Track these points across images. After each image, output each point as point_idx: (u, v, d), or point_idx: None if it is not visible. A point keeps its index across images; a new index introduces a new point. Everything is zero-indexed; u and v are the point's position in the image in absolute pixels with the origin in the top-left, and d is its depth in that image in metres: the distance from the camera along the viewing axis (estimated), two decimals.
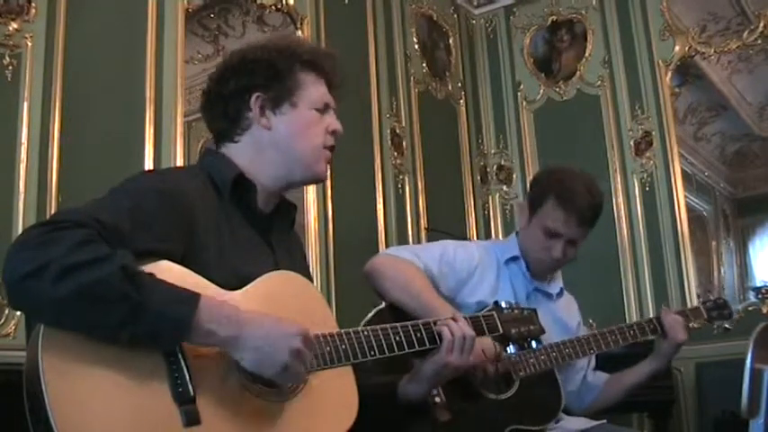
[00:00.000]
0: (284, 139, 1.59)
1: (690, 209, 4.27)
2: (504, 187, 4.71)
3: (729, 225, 4.64)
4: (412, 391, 1.74)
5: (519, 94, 4.79)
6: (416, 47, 4.36)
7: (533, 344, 1.88)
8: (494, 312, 1.83)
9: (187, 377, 1.26)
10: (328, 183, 3.52)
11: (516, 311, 1.87)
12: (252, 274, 1.44)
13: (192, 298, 1.27)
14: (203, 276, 1.36)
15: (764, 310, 3.98)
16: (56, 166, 2.55)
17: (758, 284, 4.17)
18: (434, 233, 4.00)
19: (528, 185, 2.44)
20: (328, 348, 1.45)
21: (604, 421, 2.19)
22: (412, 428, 1.79)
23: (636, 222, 4.29)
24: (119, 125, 2.77)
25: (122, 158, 2.73)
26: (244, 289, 1.41)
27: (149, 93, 2.84)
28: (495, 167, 4.76)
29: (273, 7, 3.48)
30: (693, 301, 3.95)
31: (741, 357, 2.04)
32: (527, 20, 4.83)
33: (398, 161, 4.00)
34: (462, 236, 4.29)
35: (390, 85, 4.08)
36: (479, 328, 1.77)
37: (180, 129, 2.89)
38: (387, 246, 3.74)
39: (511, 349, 1.85)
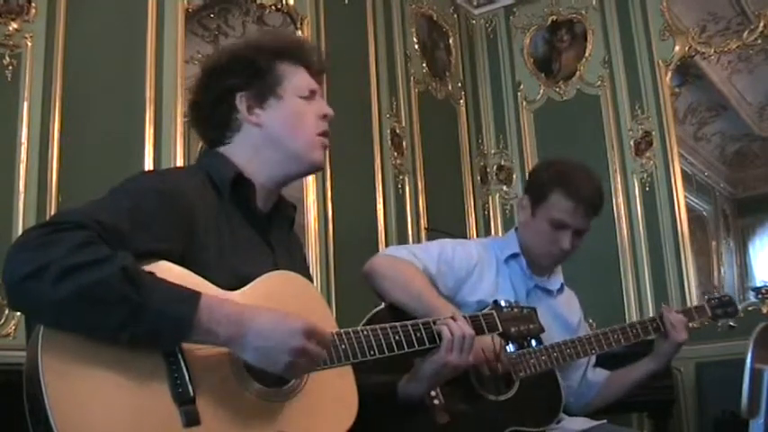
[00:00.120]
0: (277, 133, 1.59)
1: (690, 209, 4.27)
2: (504, 187, 4.71)
3: (729, 225, 4.64)
4: (412, 390, 1.74)
5: (519, 94, 4.79)
6: (416, 47, 4.36)
7: (533, 342, 1.88)
8: (493, 311, 1.83)
9: (187, 377, 1.26)
10: (328, 183, 3.52)
11: (516, 310, 1.87)
12: (251, 274, 1.44)
13: (193, 297, 1.27)
14: (203, 277, 1.36)
15: (764, 310, 3.98)
16: (56, 166, 2.54)
17: (758, 284, 4.17)
18: (434, 233, 4.00)
19: (526, 180, 2.42)
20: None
21: (605, 421, 2.19)
22: (412, 428, 1.79)
23: (636, 222, 4.29)
24: (119, 125, 2.77)
25: (122, 158, 2.73)
26: (243, 289, 1.41)
27: (149, 93, 2.84)
28: (495, 167, 4.76)
29: (273, 7, 3.48)
30: (693, 301, 3.95)
31: (741, 357, 2.04)
32: (527, 20, 4.83)
33: (398, 161, 4.00)
34: (462, 236, 4.29)
35: (390, 85, 4.08)
36: (479, 327, 1.77)
37: (180, 129, 2.88)
38: (387, 246, 3.73)
39: (510, 348, 1.85)
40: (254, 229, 1.56)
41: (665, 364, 2.33)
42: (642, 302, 4.17)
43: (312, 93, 1.64)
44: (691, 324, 2.33)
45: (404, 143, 4.06)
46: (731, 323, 2.48)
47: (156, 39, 2.92)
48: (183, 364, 1.26)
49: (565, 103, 4.65)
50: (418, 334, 1.64)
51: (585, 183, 2.22)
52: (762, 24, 4.14)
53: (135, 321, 1.21)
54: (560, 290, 2.36)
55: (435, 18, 4.60)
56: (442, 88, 4.53)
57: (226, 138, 1.61)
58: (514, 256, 2.29)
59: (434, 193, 4.19)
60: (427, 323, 1.67)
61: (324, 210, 3.48)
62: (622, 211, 4.32)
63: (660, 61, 4.35)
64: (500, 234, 4.56)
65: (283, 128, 1.59)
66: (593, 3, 4.61)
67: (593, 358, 2.36)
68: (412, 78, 4.25)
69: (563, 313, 2.33)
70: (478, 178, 4.69)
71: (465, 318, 1.74)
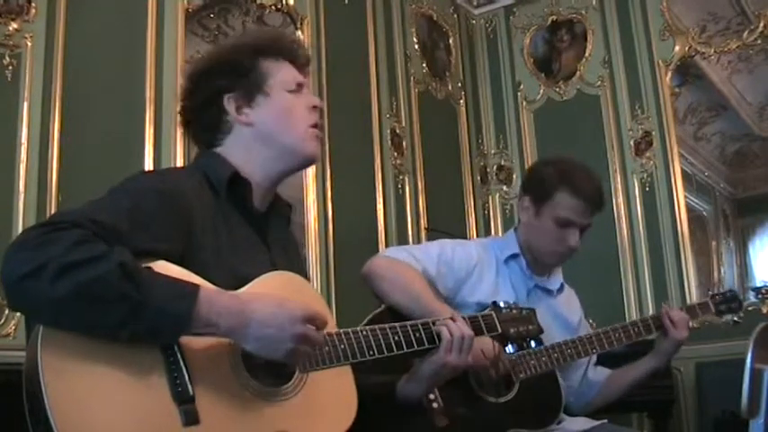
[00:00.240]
0: (268, 129, 1.59)
1: (690, 209, 4.27)
2: (504, 187, 4.71)
3: (729, 225, 4.64)
4: (411, 390, 1.74)
5: (519, 94, 4.79)
6: (416, 47, 4.36)
7: (532, 343, 1.88)
8: (492, 312, 1.83)
9: (186, 376, 1.26)
10: (328, 183, 3.52)
11: (515, 311, 1.87)
12: (250, 274, 1.44)
13: (192, 291, 1.27)
14: (202, 277, 1.36)
15: (764, 310, 3.98)
16: (56, 166, 2.55)
17: (758, 284, 4.16)
18: (434, 233, 4.00)
19: (524, 180, 2.41)
20: (327, 348, 1.45)
21: (605, 421, 2.19)
22: (411, 428, 1.79)
23: (636, 222, 4.29)
24: (119, 125, 2.77)
25: (122, 158, 2.73)
26: (242, 289, 1.41)
27: (149, 93, 2.84)
28: (495, 167, 4.76)
29: (273, 7, 3.48)
30: (694, 300, 3.94)
31: (741, 357, 2.04)
32: (527, 20, 4.83)
33: (398, 161, 4.00)
34: (462, 236, 4.29)
35: (390, 85, 4.08)
36: (478, 327, 1.77)
37: (180, 129, 2.87)
38: (387, 246, 3.73)
39: (510, 349, 1.85)
40: (251, 228, 1.57)
41: (665, 363, 2.33)
42: (642, 302, 4.17)
43: (299, 86, 1.64)
44: (692, 323, 2.33)
45: (404, 143, 4.06)
46: (736, 318, 2.47)
47: (156, 39, 2.92)
48: (181, 362, 1.26)
49: (565, 103, 4.65)
50: (417, 334, 1.64)
51: (588, 180, 2.24)
52: (762, 24, 4.14)
53: (135, 318, 1.21)
54: (560, 289, 2.36)
55: (435, 18, 4.60)
56: (442, 88, 4.53)
57: (218, 140, 1.61)
58: (514, 256, 2.29)
59: (434, 193, 4.19)
60: (426, 324, 1.67)
61: (324, 210, 3.48)
62: (622, 211, 4.32)
63: (660, 61, 4.35)
64: (500, 234, 4.55)
65: (274, 124, 1.59)
66: (593, 3, 4.61)
67: (594, 357, 2.36)
68: (412, 78, 4.25)
69: (563, 313, 2.33)
70: (478, 178, 4.69)
71: (464, 318, 1.74)
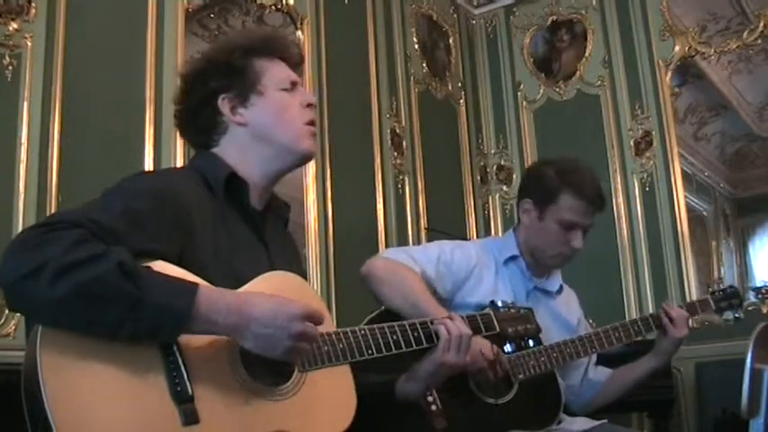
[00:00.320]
0: (263, 128, 1.59)
1: (690, 209, 4.27)
2: (504, 187, 4.70)
3: (729, 225, 4.64)
4: (409, 389, 1.74)
5: (519, 94, 4.79)
6: (416, 47, 4.36)
7: (530, 342, 1.88)
8: (490, 311, 1.83)
9: (185, 376, 1.26)
10: (328, 183, 3.52)
11: (513, 310, 1.87)
12: (248, 274, 1.45)
13: (191, 289, 1.27)
14: (200, 277, 1.36)
15: (764, 310, 3.97)
16: (56, 166, 2.54)
17: (758, 284, 4.16)
18: (434, 233, 4.00)
19: (524, 182, 2.40)
20: (326, 347, 1.45)
21: (605, 421, 2.19)
22: (409, 427, 1.79)
23: (636, 222, 4.28)
24: (119, 125, 2.77)
25: (122, 158, 2.72)
26: (240, 289, 1.41)
27: (149, 93, 2.84)
28: (495, 167, 4.76)
29: (273, 7, 3.48)
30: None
31: (741, 357, 2.04)
32: (527, 20, 4.83)
33: (398, 161, 4.00)
34: (462, 236, 4.29)
35: (390, 85, 4.08)
36: (476, 326, 1.77)
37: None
38: (387, 246, 3.74)
39: (508, 348, 1.86)
40: (249, 228, 1.57)
41: (666, 362, 2.32)
42: (642, 302, 4.16)
43: (293, 84, 1.64)
44: (692, 323, 2.32)
45: (404, 143, 4.06)
46: (737, 315, 2.47)
47: (156, 39, 2.92)
48: (180, 362, 1.27)
49: (565, 103, 4.65)
50: (416, 333, 1.64)
51: (590, 181, 2.24)
52: (762, 24, 4.14)
53: (134, 316, 1.21)
54: (559, 290, 2.36)
55: (435, 18, 4.60)
56: (442, 88, 4.53)
57: (213, 141, 1.61)
58: (513, 257, 2.29)
59: (434, 193, 4.19)
60: (425, 323, 1.68)
61: (324, 210, 3.48)
62: (622, 211, 4.32)
63: (660, 61, 4.35)
64: (500, 234, 4.55)
65: (269, 123, 1.59)
66: (593, 3, 4.60)
67: (594, 357, 2.36)
68: (412, 78, 4.25)
69: (562, 314, 2.33)
70: (478, 178, 4.69)
71: (462, 318, 1.74)
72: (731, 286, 2.50)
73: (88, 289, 1.19)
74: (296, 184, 3.35)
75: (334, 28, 3.76)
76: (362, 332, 1.53)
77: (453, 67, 4.68)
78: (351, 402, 1.50)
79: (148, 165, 2.78)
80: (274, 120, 1.60)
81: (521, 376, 2.05)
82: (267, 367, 1.37)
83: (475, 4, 4.99)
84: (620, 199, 4.33)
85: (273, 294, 1.36)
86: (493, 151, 4.78)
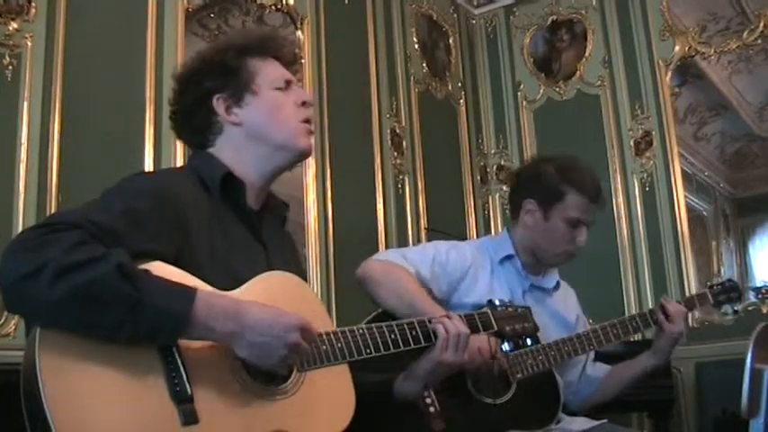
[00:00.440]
0: (258, 128, 1.59)
1: (690, 209, 4.27)
2: (504, 187, 4.69)
3: (729, 225, 4.63)
4: (408, 388, 1.74)
5: (519, 93, 4.79)
6: (416, 47, 4.36)
7: (528, 341, 1.88)
8: (488, 310, 1.83)
9: (184, 376, 1.26)
10: (328, 183, 3.52)
11: (510, 309, 1.87)
12: (246, 274, 1.45)
13: (190, 293, 1.27)
14: (197, 277, 1.36)
15: (764, 310, 3.97)
16: (56, 166, 2.54)
17: (758, 284, 4.16)
18: (434, 233, 4.00)
19: (523, 182, 2.39)
20: (324, 347, 1.45)
21: (605, 421, 2.18)
22: (408, 426, 1.79)
23: (636, 222, 4.28)
24: (119, 125, 2.77)
25: (122, 158, 2.72)
26: (238, 289, 1.41)
27: (149, 93, 2.84)
28: (495, 167, 4.76)
29: (273, 7, 3.48)
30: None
31: (741, 357, 2.04)
32: (527, 20, 4.83)
33: (398, 161, 4.00)
34: (462, 236, 4.29)
35: (390, 85, 4.08)
36: (474, 325, 1.77)
37: None
38: (387, 246, 3.74)
39: (506, 347, 1.85)
40: (246, 228, 1.57)
41: (664, 359, 2.30)
42: (642, 302, 4.16)
43: (288, 83, 1.64)
44: (692, 321, 2.32)
45: (404, 143, 4.06)
46: (735, 308, 2.46)
47: (156, 39, 2.92)
48: (179, 362, 1.27)
49: (565, 102, 4.65)
50: (414, 332, 1.64)
51: (591, 177, 2.27)
52: (762, 24, 4.14)
53: (133, 319, 1.21)
54: (556, 287, 2.36)
55: (435, 18, 4.60)
56: (442, 88, 4.53)
57: (209, 141, 1.62)
58: (509, 257, 2.29)
59: (434, 193, 4.19)
60: (422, 322, 1.68)
61: (324, 210, 3.48)
62: (622, 211, 4.32)
63: (660, 61, 4.35)
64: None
65: (264, 122, 1.60)
66: (593, 3, 4.60)
67: (592, 353, 2.35)
68: (412, 78, 4.25)
69: (560, 311, 2.32)
70: (478, 178, 4.69)
71: (460, 316, 1.74)
72: (729, 280, 2.49)
73: (87, 291, 1.19)
74: (296, 183, 3.35)
75: (334, 28, 3.76)
76: (361, 331, 1.53)
77: (453, 67, 4.68)
78: (350, 402, 1.50)
79: (148, 165, 2.78)
80: (269, 119, 1.60)
81: (519, 376, 2.04)
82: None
83: (475, 4, 4.99)
84: (620, 199, 4.33)
85: (269, 304, 1.36)
86: (493, 151, 4.78)
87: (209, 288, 1.36)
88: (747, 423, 1.98)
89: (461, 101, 4.69)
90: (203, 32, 3.24)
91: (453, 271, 2.18)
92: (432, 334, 1.67)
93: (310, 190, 3.44)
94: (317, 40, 3.65)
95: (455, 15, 4.82)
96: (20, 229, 2.36)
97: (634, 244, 4.27)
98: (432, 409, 1.75)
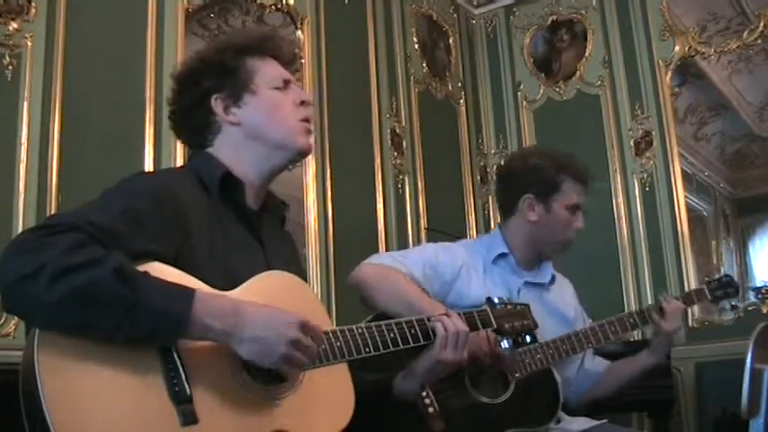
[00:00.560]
0: (256, 127, 1.59)
1: (690, 209, 4.27)
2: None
3: (729, 225, 4.64)
4: (407, 387, 1.74)
5: (519, 93, 4.79)
6: (416, 47, 4.36)
7: (527, 338, 1.88)
8: (487, 307, 1.83)
9: (183, 376, 1.26)
10: (328, 183, 3.52)
11: (509, 306, 1.87)
12: (245, 274, 1.45)
13: (188, 294, 1.27)
14: (196, 277, 1.36)
15: (764, 310, 3.97)
16: (56, 166, 2.54)
17: (758, 284, 4.16)
18: (434, 233, 4.00)
19: (516, 179, 2.38)
20: (324, 346, 1.45)
21: (605, 421, 2.18)
22: (407, 425, 1.79)
23: (636, 222, 4.28)
24: (119, 125, 2.77)
25: (122, 158, 2.73)
26: (237, 289, 1.41)
27: (149, 93, 2.84)
28: (495, 167, 4.75)
29: (273, 7, 3.48)
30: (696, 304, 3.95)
31: (741, 357, 2.04)
32: (527, 20, 4.83)
33: (398, 161, 4.00)
34: (462, 236, 4.29)
35: (390, 85, 4.08)
36: (473, 323, 1.77)
37: None
38: (387, 245, 3.74)
39: (505, 344, 1.85)
40: (245, 228, 1.57)
41: (662, 357, 2.30)
42: (642, 302, 4.15)
43: (286, 82, 1.64)
44: (690, 318, 2.31)
45: (404, 143, 4.06)
46: (734, 303, 2.47)
47: (156, 39, 2.92)
48: (178, 362, 1.27)
49: (565, 102, 4.65)
50: (413, 331, 1.64)
51: (578, 162, 2.32)
52: (762, 24, 4.14)
53: (130, 321, 1.21)
54: (552, 281, 2.36)
55: (435, 18, 4.60)
56: (442, 88, 4.53)
57: (208, 141, 1.62)
58: (502, 255, 2.29)
59: (434, 193, 4.19)
60: (422, 320, 1.68)
61: (324, 210, 3.48)
62: (622, 211, 4.32)
63: (660, 61, 4.35)
64: None
65: (262, 121, 1.60)
66: (593, 3, 4.60)
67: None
68: (412, 78, 4.25)
69: (557, 305, 2.32)
70: (478, 178, 4.68)
71: (459, 314, 1.74)
72: (726, 275, 2.50)
73: (85, 292, 1.19)
74: (296, 183, 3.35)
75: (334, 28, 3.76)
76: (360, 330, 1.53)
77: (453, 67, 4.68)
78: (349, 401, 1.50)
79: (148, 165, 2.78)
80: (267, 118, 1.60)
81: (517, 375, 2.04)
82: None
83: (475, 4, 4.99)
84: (620, 199, 4.33)
85: (268, 304, 1.36)
86: (493, 151, 4.78)
87: (208, 288, 1.36)
88: (747, 423, 1.98)
89: (461, 101, 4.69)
90: (203, 32, 3.24)
91: (444, 272, 2.19)
92: (431, 332, 1.67)
93: (310, 190, 3.44)
94: (316, 40, 3.65)
95: (455, 15, 4.82)
96: (20, 229, 2.36)
97: (634, 244, 4.26)
98: (431, 410, 1.75)
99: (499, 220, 2.38)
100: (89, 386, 1.19)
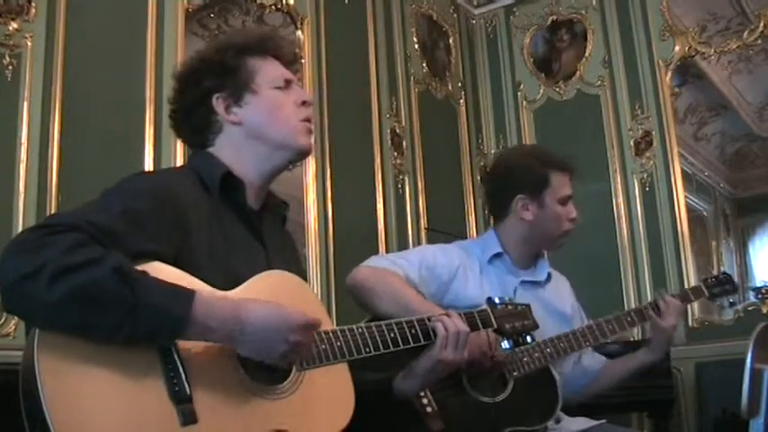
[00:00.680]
0: (258, 127, 1.59)
1: (690, 209, 4.27)
2: None
3: (729, 225, 4.64)
4: (407, 387, 1.74)
5: (519, 93, 4.79)
6: (416, 47, 4.36)
7: (528, 339, 1.87)
8: (487, 308, 1.83)
9: (183, 376, 1.26)
10: (328, 183, 3.53)
11: (510, 307, 1.87)
12: (245, 274, 1.44)
13: (188, 295, 1.27)
14: (197, 277, 1.36)
15: (764, 310, 3.97)
16: (56, 166, 2.55)
17: (758, 284, 4.16)
18: (434, 233, 4.00)
19: (505, 182, 2.37)
20: (324, 346, 1.45)
21: (604, 421, 2.18)
22: (407, 425, 1.79)
23: (636, 222, 4.28)
24: (119, 125, 2.77)
25: (122, 158, 2.73)
26: (237, 289, 1.41)
27: (149, 93, 2.84)
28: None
29: (273, 7, 3.49)
30: (694, 302, 3.95)
31: (741, 357, 2.04)
32: (527, 20, 4.83)
33: (398, 161, 4.00)
34: (462, 236, 4.29)
35: (390, 85, 4.08)
36: (473, 323, 1.77)
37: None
38: (387, 245, 3.74)
39: (505, 344, 1.85)
40: (246, 227, 1.57)
41: (660, 354, 2.28)
42: (642, 302, 4.14)
43: (288, 82, 1.64)
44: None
45: (404, 143, 4.06)
46: (732, 301, 2.46)
47: (156, 39, 2.92)
48: (178, 361, 1.27)
49: (565, 102, 4.65)
50: (413, 331, 1.64)
51: (558, 154, 2.34)
52: (762, 24, 4.14)
53: (131, 321, 1.21)
54: (548, 279, 2.36)
55: (435, 18, 4.60)
56: (442, 88, 4.53)
57: (209, 140, 1.61)
58: (498, 255, 2.30)
59: (434, 193, 4.19)
60: (422, 320, 1.67)
61: (324, 210, 3.48)
62: (622, 211, 4.32)
63: (660, 61, 4.35)
64: None
65: (263, 121, 1.60)
66: (593, 3, 4.61)
67: None
68: (412, 78, 4.25)
69: (555, 304, 2.32)
70: (478, 178, 4.68)
71: (459, 315, 1.74)
72: (724, 273, 2.49)
73: (85, 292, 1.19)
74: (296, 183, 3.35)
75: (334, 28, 3.76)
76: (360, 330, 1.53)
77: (453, 67, 4.68)
78: (349, 401, 1.50)
79: (148, 165, 2.78)
80: (268, 118, 1.60)
81: (515, 374, 2.04)
82: (265, 366, 1.37)
83: (475, 4, 4.99)
84: (620, 199, 4.33)
85: (269, 300, 1.36)
86: (493, 151, 4.78)
87: (208, 288, 1.36)
88: (747, 423, 1.98)
89: (461, 101, 4.69)
90: (203, 32, 3.24)
91: (441, 273, 2.19)
92: (431, 332, 1.67)
93: (310, 190, 3.44)
94: (316, 40, 3.66)
95: (455, 15, 4.82)
96: (20, 229, 2.36)
97: (634, 244, 4.27)
98: (429, 409, 1.75)
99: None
100: (89, 386, 1.19)
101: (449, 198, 4.43)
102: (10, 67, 2.50)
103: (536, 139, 4.68)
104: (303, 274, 1.67)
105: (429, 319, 1.68)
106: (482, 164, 4.73)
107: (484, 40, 4.97)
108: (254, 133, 1.59)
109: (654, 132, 4.31)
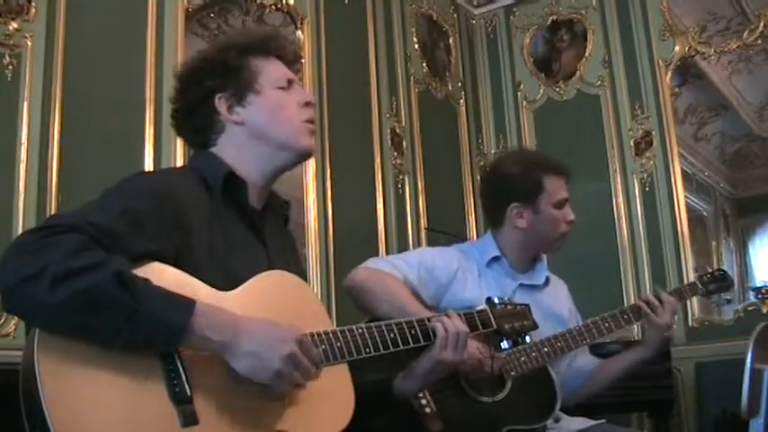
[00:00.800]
0: (260, 127, 1.59)
1: (690, 209, 4.27)
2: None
3: (729, 225, 4.64)
4: (407, 387, 1.74)
5: (519, 93, 4.79)
6: (416, 47, 4.36)
7: (527, 339, 1.88)
8: (487, 308, 1.83)
9: (183, 377, 1.26)
10: (328, 183, 3.52)
11: (509, 307, 1.87)
12: (246, 274, 1.44)
13: (188, 304, 1.27)
14: (197, 277, 1.36)
15: (764, 310, 3.97)
16: (56, 166, 2.55)
17: (758, 284, 4.16)
18: (434, 233, 4.00)
19: (498, 191, 2.36)
20: (323, 346, 1.44)
21: (603, 421, 2.18)
22: (407, 425, 1.79)
23: (636, 222, 4.28)
24: (119, 125, 2.77)
25: (122, 158, 2.73)
26: (237, 289, 1.41)
27: (149, 93, 2.84)
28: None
29: (273, 7, 3.49)
30: (693, 302, 3.95)
31: (741, 357, 2.04)
32: (527, 20, 4.83)
33: (398, 161, 4.00)
34: (462, 236, 4.29)
35: (390, 85, 4.08)
36: (473, 323, 1.77)
37: None
38: (387, 246, 3.74)
39: (504, 344, 1.85)
40: (247, 227, 1.57)
41: (654, 351, 2.28)
42: None
43: (290, 82, 1.64)
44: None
45: (404, 143, 4.06)
46: (728, 297, 2.46)
47: (156, 39, 2.92)
48: (179, 363, 1.26)
49: (565, 103, 4.65)
50: (413, 331, 1.64)
51: (550, 157, 2.35)
52: (762, 24, 4.14)
53: (130, 327, 1.21)
54: (546, 282, 2.36)
55: (435, 18, 4.60)
56: (442, 88, 4.53)
57: (211, 140, 1.61)
58: (496, 258, 2.30)
59: (434, 193, 4.19)
60: (422, 320, 1.68)
61: (324, 210, 3.48)
62: (622, 211, 4.32)
63: (660, 61, 4.35)
64: None
65: (266, 121, 1.59)
66: (593, 3, 4.61)
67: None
68: (412, 78, 4.25)
69: (552, 306, 2.32)
70: (478, 178, 4.68)
71: (459, 315, 1.74)
72: (719, 269, 2.49)
73: (86, 297, 1.19)
74: (296, 183, 3.35)
75: (334, 28, 3.76)
76: (360, 331, 1.53)
77: (453, 67, 4.68)
78: (349, 401, 1.49)
79: (148, 165, 2.78)
80: (271, 118, 1.60)
81: (513, 373, 2.04)
82: None
83: (475, 4, 4.99)
84: (620, 199, 4.33)
85: (268, 306, 1.36)
86: (493, 151, 4.78)
87: (207, 290, 1.36)
88: (747, 423, 1.98)
89: (461, 101, 4.69)
90: (203, 32, 3.24)
91: (440, 276, 2.19)
92: (431, 333, 1.67)
93: (310, 190, 3.44)
94: (316, 39, 3.66)
95: (455, 15, 4.82)
96: (20, 229, 2.36)
97: (634, 244, 4.26)
98: (427, 410, 1.75)
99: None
100: (89, 386, 1.19)
101: (449, 198, 4.43)
102: (10, 67, 2.50)
103: (536, 139, 4.69)
104: (303, 275, 1.67)
105: (429, 320, 1.68)
106: (482, 164, 4.72)
107: (484, 40, 4.97)
108: (257, 133, 1.59)
109: (654, 132, 4.31)
